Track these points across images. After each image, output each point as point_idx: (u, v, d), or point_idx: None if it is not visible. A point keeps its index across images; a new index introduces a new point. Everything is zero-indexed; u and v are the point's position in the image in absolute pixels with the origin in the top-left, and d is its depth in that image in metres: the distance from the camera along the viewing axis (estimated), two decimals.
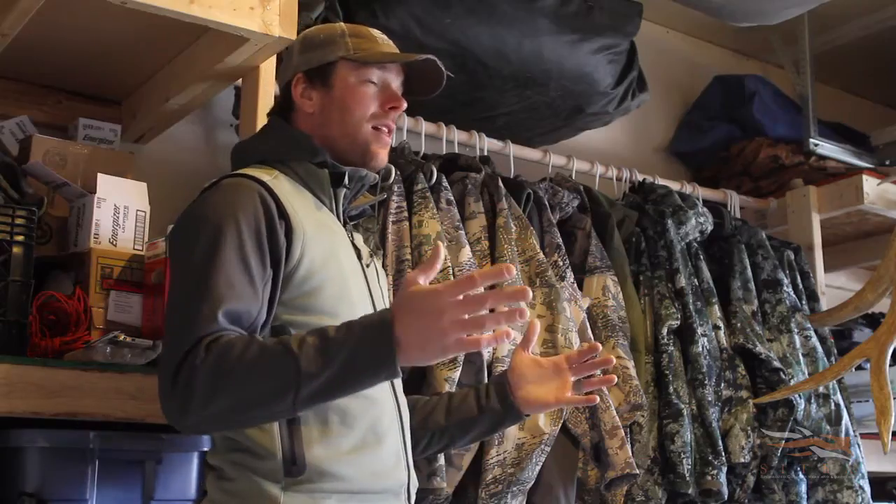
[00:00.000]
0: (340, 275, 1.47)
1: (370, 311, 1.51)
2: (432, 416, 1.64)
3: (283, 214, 1.41)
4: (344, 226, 1.57)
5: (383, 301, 1.60)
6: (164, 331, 1.36)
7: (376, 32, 1.62)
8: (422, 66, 1.60)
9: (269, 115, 1.66)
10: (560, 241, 2.41)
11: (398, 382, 1.55)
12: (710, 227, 2.81)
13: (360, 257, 1.56)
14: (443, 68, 1.60)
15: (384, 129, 1.57)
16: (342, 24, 1.63)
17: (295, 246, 1.40)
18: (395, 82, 1.60)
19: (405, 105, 1.59)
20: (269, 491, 1.35)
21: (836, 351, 2.94)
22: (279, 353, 1.23)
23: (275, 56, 1.96)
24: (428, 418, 1.64)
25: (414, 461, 1.54)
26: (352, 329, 1.24)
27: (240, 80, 2.06)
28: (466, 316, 1.20)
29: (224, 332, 1.28)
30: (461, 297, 1.19)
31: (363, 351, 1.21)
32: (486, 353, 2.08)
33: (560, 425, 2.12)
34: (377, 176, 1.61)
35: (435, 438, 1.65)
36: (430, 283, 1.23)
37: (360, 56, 1.55)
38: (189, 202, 1.48)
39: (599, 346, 1.61)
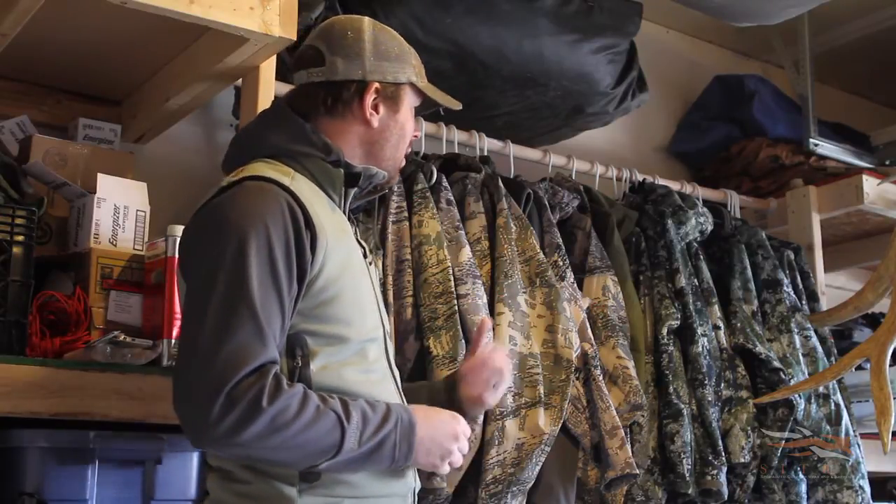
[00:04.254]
0: (354, 282, 1.46)
1: (376, 316, 1.51)
2: None
3: (309, 224, 1.38)
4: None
5: (381, 299, 1.60)
6: (189, 336, 1.33)
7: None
8: (443, 107, 1.67)
9: (276, 101, 1.62)
10: (560, 241, 2.41)
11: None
12: (710, 227, 2.81)
13: (364, 255, 1.55)
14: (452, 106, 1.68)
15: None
16: (403, 39, 1.62)
17: (318, 256, 1.39)
18: None
19: None
20: (287, 494, 1.35)
21: (836, 351, 2.94)
22: (331, 423, 1.32)
23: (275, 56, 1.96)
24: None
25: None
26: (386, 420, 1.37)
27: (240, 80, 2.06)
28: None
29: (274, 365, 1.31)
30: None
31: (388, 445, 1.37)
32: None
33: (560, 425, 2.12)
34: (385, 174, 1.60)
35: None
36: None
37: (424, 88, 1.60)
38: (189, 202, 1.47)
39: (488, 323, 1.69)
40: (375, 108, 1.54)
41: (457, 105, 1.67)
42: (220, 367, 1.26)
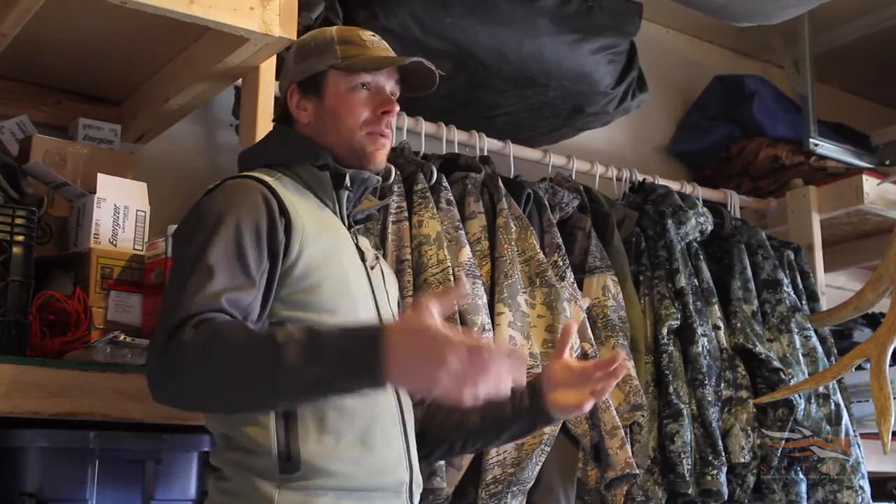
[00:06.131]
0: (342, 273, 1.48)
1: (372, 310, 1.51)
2: (468, 418, 1.63)
3: (284, 212, 1.42)
4: (349, 229, 1.57)
5: (389, 304, 1.59)
6: (161, 313, 1.35)
7: (367, 35, 1.62)
8: (413, 64, 1.60)
9: (273, 121, 1.68)
10: (560, 241, 2.41)
11: None
12: (710, 227, 2.81)
13: (363, 259, 1.56)
14: (433, 68, 1.61)
15: (378, 133, 1.57)
16: (333, 28, 1.63)
17: (294, 242, 1.41)
18: (388, 84, 1.60)
19: (397, 108, 1.60)
20: (264, 489, 1.35)
21: (836, 351, 2.94)
22: (264, 343, 1.21)
23: (275, 56, 1.96)
24: (463, 420, 1.64)
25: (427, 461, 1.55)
26: (344, 333, 1.23)
27: (240, 80, 2.06)
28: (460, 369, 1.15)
29: (216, 313, 1.28)
30: (466, 357, 1.14)
31: (350, 354, 1.19)
32: None
33: (560, 425, 2.12)
34: (380, 178, 1.61)
35: (470, 440, 1.67)
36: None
37: (348, 64, 1.56)
38: (189, 202, 1.49)
39: (622, 356, 1.54)
40: (303, 107, 1.59)
41: (396, 61, 1.59)
42: (167, 323, 1.26)
